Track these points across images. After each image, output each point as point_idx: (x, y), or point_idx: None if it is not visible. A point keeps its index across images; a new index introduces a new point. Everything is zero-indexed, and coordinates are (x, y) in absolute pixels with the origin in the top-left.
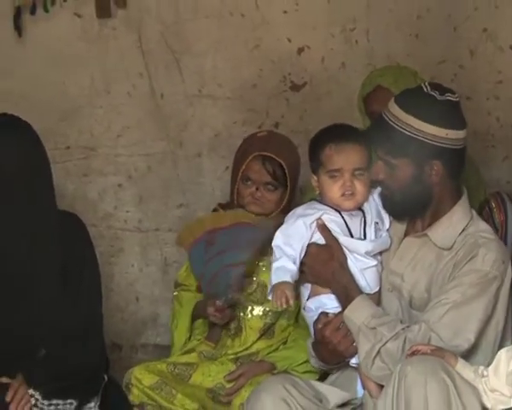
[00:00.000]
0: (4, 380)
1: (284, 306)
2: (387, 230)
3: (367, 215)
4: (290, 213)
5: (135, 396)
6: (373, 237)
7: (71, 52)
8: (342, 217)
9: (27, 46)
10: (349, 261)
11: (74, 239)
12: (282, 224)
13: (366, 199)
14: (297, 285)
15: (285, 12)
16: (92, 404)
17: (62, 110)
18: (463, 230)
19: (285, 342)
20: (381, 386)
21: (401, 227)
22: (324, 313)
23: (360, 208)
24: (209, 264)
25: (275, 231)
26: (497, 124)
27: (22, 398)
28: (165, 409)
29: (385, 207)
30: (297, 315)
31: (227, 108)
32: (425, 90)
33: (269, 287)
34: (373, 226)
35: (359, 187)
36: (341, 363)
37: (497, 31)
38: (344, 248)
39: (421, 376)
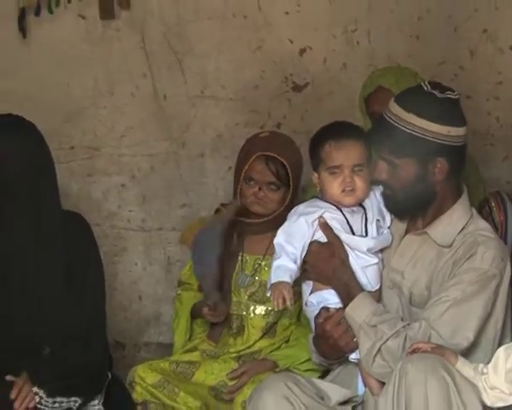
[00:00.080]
0: (9, 378)
1: (281, 307)
2: (389, 227)
3: (368, 212)
4: (292, 211)
5: (138, 394)
6: (375, 234)
7: (75, 53)
8: (343, 214)
9: (32, 47)
10: (350, 259)
11: (79, 239)
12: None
13: (366, 195)
14: (299, 283)
15: (287, 13)
16: (96, 402)
17: (66, 111)
18: (463, 228)
19: (287, 341)
20: (382, 383)
21: (402, 225)
22: (325, 308)
23: (361, 205)
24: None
25: (223, 224)
26: (497, 124)
27: (27, 396)
28: (168, 407)
29: (387, 206)
30: (299, 314)
31: (229, 109)
32: (425, 88)
33: (268, 285)
34: (374, 223)
35: (359, 183)
36: (341, 358)
37: (497, 32)
38: (345, 246)
39: (421, 374)
